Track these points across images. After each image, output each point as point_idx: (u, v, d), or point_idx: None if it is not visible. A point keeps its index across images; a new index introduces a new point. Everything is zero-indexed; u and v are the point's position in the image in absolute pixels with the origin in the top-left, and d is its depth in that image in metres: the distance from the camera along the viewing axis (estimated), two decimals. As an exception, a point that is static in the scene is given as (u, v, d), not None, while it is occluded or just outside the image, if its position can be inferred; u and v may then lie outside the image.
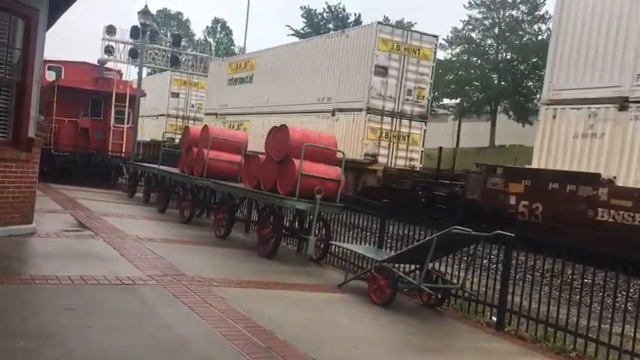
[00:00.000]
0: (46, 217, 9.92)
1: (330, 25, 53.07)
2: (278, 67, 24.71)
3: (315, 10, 53.96)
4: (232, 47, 65.97)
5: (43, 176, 13.44)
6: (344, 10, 53.47)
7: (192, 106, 34.39)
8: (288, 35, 54.37)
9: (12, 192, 8.01)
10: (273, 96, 24.14)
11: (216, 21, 68.77)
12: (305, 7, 53.76)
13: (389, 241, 8.84)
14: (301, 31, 53.84)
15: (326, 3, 53.35)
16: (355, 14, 53.39)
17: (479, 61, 43.98)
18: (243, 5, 69.82)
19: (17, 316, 4.88)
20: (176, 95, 34.25)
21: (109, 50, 35.63)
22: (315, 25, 53.45)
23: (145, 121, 32.74)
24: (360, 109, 19.16)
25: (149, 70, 50.10)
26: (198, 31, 69.65)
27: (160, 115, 34.30)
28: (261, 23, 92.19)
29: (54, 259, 7.22)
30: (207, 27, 68.75)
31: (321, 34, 47.98)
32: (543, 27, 42.13)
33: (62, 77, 20.88)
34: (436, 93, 45.99)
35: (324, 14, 53.53)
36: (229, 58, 32.51)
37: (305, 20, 54.00)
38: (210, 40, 66.91)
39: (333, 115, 20.47)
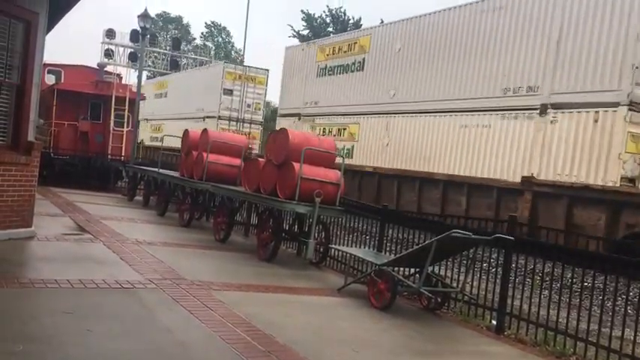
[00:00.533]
0: (46, 221, 9.91)
1: (330, 29, 53.25)
2: (415, 46, 17.50)
3: (314, 14, 54.15)
4: (232, 50, 66.09)
5: (43, 180, 13.44)
6: (344, 13, 53.66)
7: (249, 105, 28.99)
8: (289, 37, 54.57)
9: (11, 195, 8.00)
10: (404, 89, 17.65)
11: (212, 25, 68.85)
12: (305, 11, 53.94)
13: (388, 244, 8.84)
14: (301, 33, 54.00)
15: (327, 6, 53.54)
16: (353, 17, 53.61)
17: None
18: (243, 8, 69.73)
19: (16, 320, 4.87)
20: (229, 92, 28.59)
21: (108, 54, 35.75)
22: (315, 28, 53.59)
23: (182, 125, 25.12)
24: (615, 104, 11.85)
25: (149, 74, 50.25)
26: (198, 34, 69.56)
27: (209, 117, 29.04)
28: (261, 26, 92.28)
29: (53, 263, 7.21)
30: (203, 33, 68.86)
31: (322, 37, 48.18)
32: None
33: (62, 81, 20.91)
34: None
35: (326, 18, 53.65)
36: (320, 41, 24.56)
37: (305, 24, 54.15)
38: (209, 43, 66.97)
39: (544, 113, 13.30)
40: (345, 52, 20.98)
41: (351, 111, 19.91)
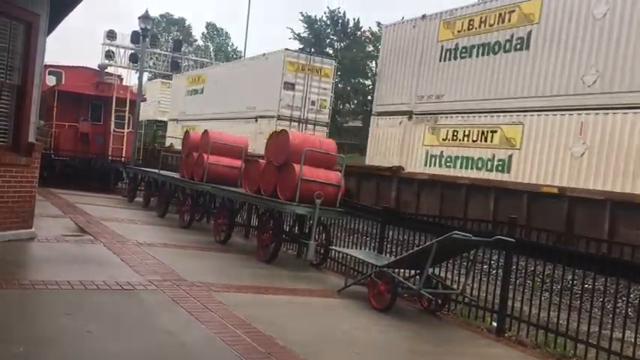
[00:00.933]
0: (46, 222, 9.91)
1: (330, 31, 53.25)
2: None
3: (315, 15, 54.10)
4: (232, 52, 66.13)
5: (43, 181, 13.44)
6: (344, 16, 53.64)
7: (313, 103, 23.55)
8: (290, 39, 54.56)
9: (12, 196, 8.01)
10: (615, 71, 12.27)
11: (210, 26, 68.95)
12: (305, 14, 53.93)
13: (389, 246, 8.83)
14: (302, 36, 54.00)
15: (328, 7, 53.52)
16: (355, 19, 53.58)
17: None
18: (244, 9, 69.85)
19: (17, 321, 4.87)
20: (290, 87, 23.13)
21: (109, 55, 35.85)
22: (315, 30, 53.60)
23: (224, 127, 22.70)
24: None
25: (149, 75, 50.32)
26: (199, 35, 69.67)
27: (263, 117, 23.57)
28: (262, 27, 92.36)
29: (53, 264, 7.21)
30: (203, 33, 68.98)
31: (321, 39, 47.91)
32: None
33: (62, 82, 20.92)
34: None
35: (326, 21, 53.63)
36: (443, 13, 17.16)
37: (305, 26, 54.14)
38: (209, 44, 67.06)
39: None
40: (491, 25, 15.29)
41: (506, 107, 14.48)
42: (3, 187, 7.85)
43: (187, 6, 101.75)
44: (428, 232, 7.83)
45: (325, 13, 53.46)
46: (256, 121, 23.86)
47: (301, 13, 54.29)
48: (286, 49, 23.74)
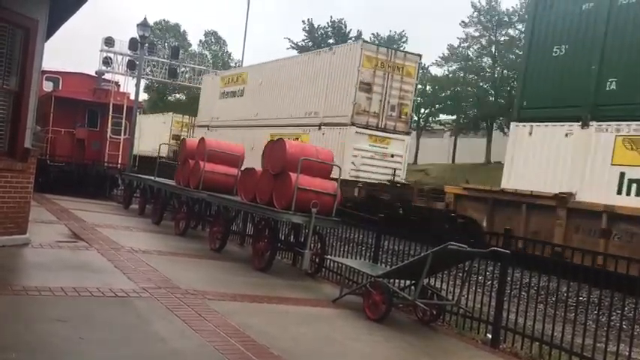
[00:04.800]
0: (41, 228, 9.87)
1: (331, 40, 53.51)
2: None
3: (319, 25, 54.37)
4: (230, 60, 66.21)
5: (38, 186, 13.41)
6: (345, 26, 53.94)
7: (393, 108, 19.53)
8: (288, 49, 54.80)
9: (6, 202, 7.98)
10: None
11: (208, 33, 69.07)
12: (307, 21, 54.19)
13: (384, 256, 8.83)
14: (301, 44, 54.23)
15: (330, 17, 53.77)
16: (359, 31, 53.90)
17: (475, 78, 44.33)
18: (242, 16, 70.01)
19: (9, 328, 4.84)
20: (366, 88, 18.97)
21: (107, 62, 35.90)
22: (315, 39, 53.84)
23: (276, 134, 20.20)
24: None
25: (146, 82, 50.34)
26: (196, 42, 69.77)
27: (330, 125, 19.82)
28: (260, 35, 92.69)
29: (47, 270, 7.17)
30: (201, 40, 69.08)
31: (322, 47, 48.29)
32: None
33: (60, 88, 20.93)
34: (432, 109, 46.45)
35: (329, 30, 53.86)
36: None
37: (306, 34, 54.37)
38: (206, 52, 67.16)
39: None
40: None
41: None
42: (-2, 192, 7.83)
43: (183, 11, 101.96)
44: (424, 242, 7.83)
45: (328, 23, 53.68)
46: (319, 129, 19.96)
47: (303, 21, 54.55)
48: (364, 41, 20.68)
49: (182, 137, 28.48)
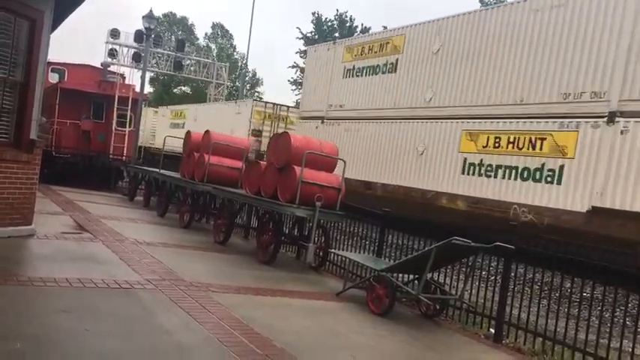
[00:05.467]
0: (46, 219, 9.91)
1: (337, 34, 53.32)
2: None
3: (327, 18, 54.25)
4: (235, 53, 66.18)
5: (44, 178, 13.46)
6: (351, 19, 53.79)
7: None
8: (297, 39, 54.68)
9: (12, 193, 8.01)
10: None
11: (215, 26, 69.08)
12: (316, 13, 54.09)
13: (388, 250, 8.84)
14: (309, 36, 54.11)
15: (337, 10, 53.62)
16: (362, 24, 53.73)
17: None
18: (247, 9, 69.79)
19: (14, 318, 4.87)
20: None
21: (112, 53, 35.90)
22: (322, 32, 53.73)
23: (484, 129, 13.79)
24: None
25: (152, 74, 50.35)
26: (202, 35, 69.72)
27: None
28: (263, 26, 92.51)
29: (52, 261, 7.21)
30: (207, 33, 69.05)
31: (327, 41, 47.77)
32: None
33: (65, 79, 20.94)
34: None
35: (335, 23, 53.75)
36: None
37: (314, 26, 54.27)
38: (212, 45, 67.13)
39: None
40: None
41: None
42: (4, 184, 7.86)
43: (191, 5, 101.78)
44: (428, 237, 7.83)
45: (335, 16, 53.54)
46: (610, 123, 11.12)
47: (313, 13, 54.42)
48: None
49: (276, 132, 20.52)
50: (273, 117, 24.52)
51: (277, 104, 25.27)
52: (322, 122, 20.25)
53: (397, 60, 17.31)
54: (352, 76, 19.32)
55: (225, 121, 24.81)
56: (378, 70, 18.24)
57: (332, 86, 20.12)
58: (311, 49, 22.90)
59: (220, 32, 68.89)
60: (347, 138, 18.43)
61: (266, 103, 25.71)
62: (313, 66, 21.68)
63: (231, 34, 68.80)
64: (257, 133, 24.13)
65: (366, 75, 18.72)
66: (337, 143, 16.03)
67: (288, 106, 26.17)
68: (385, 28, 50.78)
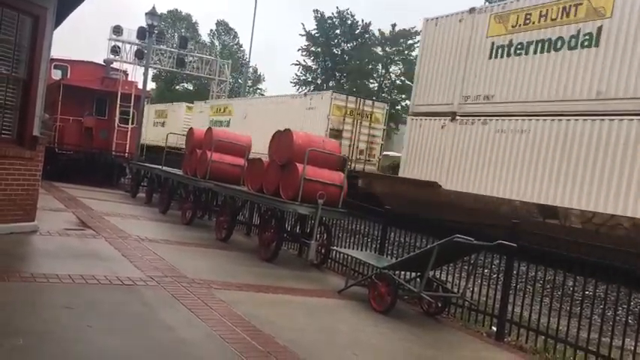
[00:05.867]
0: (49, 216, 9.94)
1: (338, 31, 53.21)
2: None
3: (328, 16, 54.08)
4: (239, 50, 66.11)
5: (46, 174, 13.48)
6: (352, 16, 53.64)
7: None
8: (300, 35, 54.56)
9: (15, 189, 8.03)
10: None
11: (220, 23, 69.03)
12: (318, 11, 53.94)
13: (390, 247, 8.84)
14: (311, 34, 54.02)
15: (337, 8, 53.43)
16: (363, 20, 53.54)
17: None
18: (246, 8, 69.74)
19: (17, 314, 4.88)
20: None
21: (115, 50, 35.90)
22: (324, 29, 53.63)
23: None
24: None
25: (154, 71, 50.33)
26: (205, 32, 69.62)
27: None
28: (264, 27, 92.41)
29: (55, 258, 7.22)
30: (212, 30, 69.02)
31: (330, 37, 47.13)
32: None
33: (68, 76, 20.95)
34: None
35: (335, 20, 53.62)
36: None
37: (316, 25, 54.17)
38: (216, 42, 67.11)
39: None
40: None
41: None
42: (7, 180, 7.88)
43: (189, 4, 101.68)
44: (430, 235, 7.83)
45: (334, 13, 53.39)
46: None
47: (314, 10, 54.23)
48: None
49: (357, 133, 20.24)
50: (356, 113, 20.31)
51: (360, 96, 21.68)
52: (453, 120, 15.29)
53: (600, 28, 12.10)
54: (508, 55, 14.14)
55: (291, 119, 19.98)
56: (561, 44, 12.95)
57: (469, 71, 15.15)
58: (430, 22, 16.87)
59: (224, 30, 68.87)
60: (500, 141, 13.74)
61: (347, 95, 21.32)
62: (434, 45, 16.45)
63: (235, 32, 68.78)
64: (336, 134, 19.68)
65: (536, 53, 13.49)
66: (482, 148, 13.63)
67: (374, 99, 22.88)
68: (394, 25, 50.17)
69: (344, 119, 20.14)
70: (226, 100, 31.61)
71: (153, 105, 37.44)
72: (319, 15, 53.76)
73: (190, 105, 34.61)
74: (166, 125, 34.85)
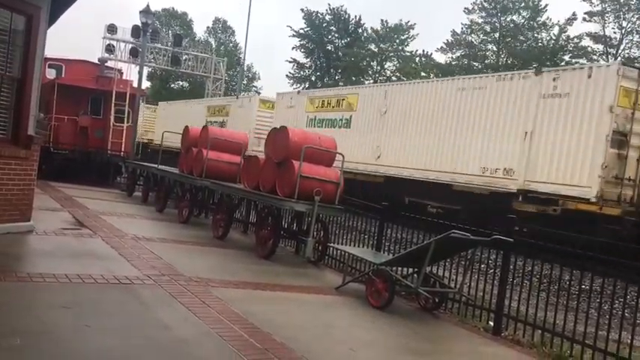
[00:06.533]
0: (44, 215, 9.91)
1: (333, 28, 53.06)
2: None
3: (317, 12, 53.92)
4: (237, 48, 65.94)
5: (42, 174, 13.44)
6: (346, 12, 53.53)
7: None
8: (290, 36, 54.44)
9: (10, 189, 8.00)
10: None
11: (217, 21, 68.82)
12: (305, 10, 53.74)
13: (387, 244, 8.84)
14: (302, 32, 53.90)
15: (329, 5, 53.28)
16: (356, 16, 53.45)
17: (479, 66, 44.16)
18: (245, 5, 69.50)
19: (14, 314, 4.87)
20: None
21: (109, 49, 35.78)
22: (316, 27, 53.47)
23: None
24: None
25: (149, 69, 50.18)
26: (200, 30, 69.34)
27: None
28: (259, 24, 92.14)
29: (51, 257, 7.21)
30: (208, 27, 68.78)
31: (324, 34, 47.02)
32: (544, 33, 42.50)
33: (63, 75, 20.86)
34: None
35: (326, 17, 53.50)
36: None
37: (306, 22, 54.01)
38: (212, 40, 66.89)
39: None
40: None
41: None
42: (2, 180, 7.85)
43: (191, 2, 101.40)
44: (426, 230, 7.84)
45: (327, 10, 53.20)
46: None
47: (302, 9, 54.06)
48: None
49: None
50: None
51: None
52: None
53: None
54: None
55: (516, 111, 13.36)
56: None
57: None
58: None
59: (221, 28, 68.61)
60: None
61: None
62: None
63: (233, 30, 68.52)
64: (620, 138, 11.78)
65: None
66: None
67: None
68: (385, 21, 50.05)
69: (633, 113, 11.50)
70: (337, 90, 23.23)
71: (202, 100, 32.67)
72: (306, 13, 53.58)
73: (266, 99, 25.68)
74: (227, 126, 25.10)
